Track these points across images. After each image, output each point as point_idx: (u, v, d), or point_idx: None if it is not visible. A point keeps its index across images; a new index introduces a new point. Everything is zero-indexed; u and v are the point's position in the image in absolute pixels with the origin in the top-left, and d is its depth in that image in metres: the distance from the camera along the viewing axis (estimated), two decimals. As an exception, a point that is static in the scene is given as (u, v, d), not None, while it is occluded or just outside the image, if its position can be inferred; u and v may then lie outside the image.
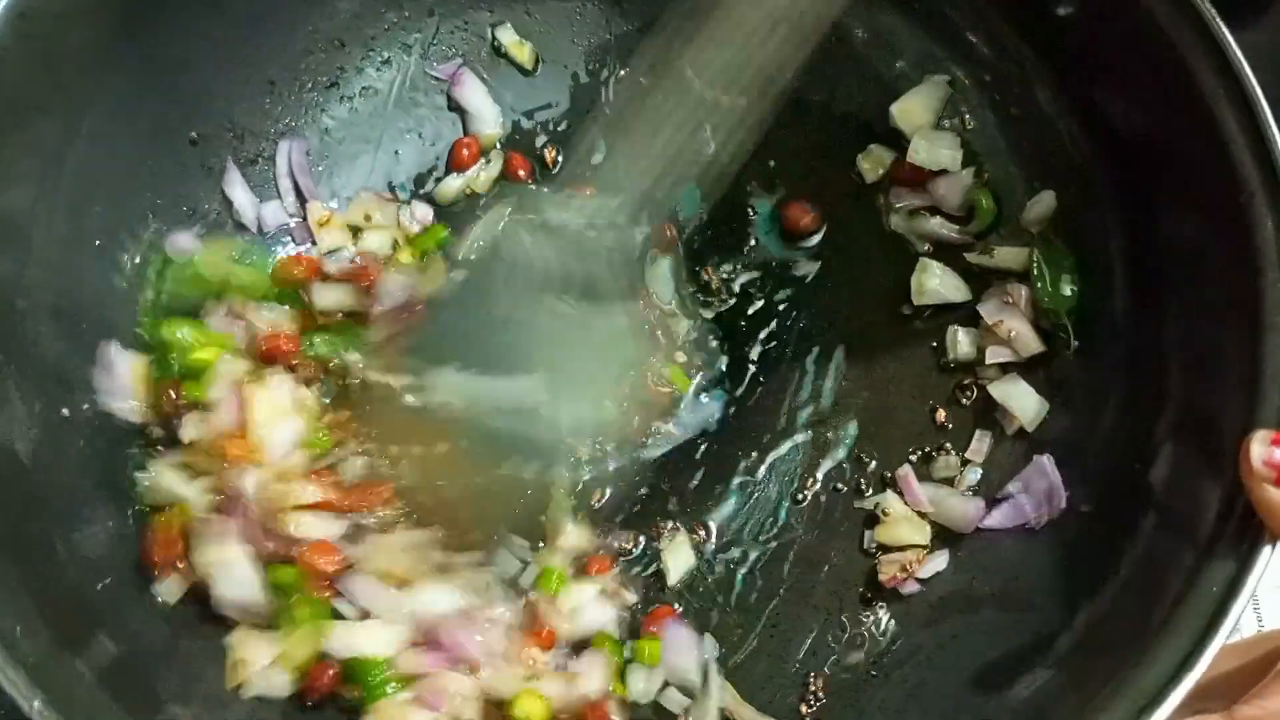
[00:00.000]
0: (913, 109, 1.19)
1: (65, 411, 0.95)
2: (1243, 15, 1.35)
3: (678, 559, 1.08)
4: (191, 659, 0.92)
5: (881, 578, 1.04)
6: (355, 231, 1.20)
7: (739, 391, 1.14)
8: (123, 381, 1.01)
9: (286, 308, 1.10)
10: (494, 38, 1.25)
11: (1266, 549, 0.77)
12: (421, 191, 1.23)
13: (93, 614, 0.87)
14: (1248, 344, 0.85)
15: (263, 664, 0.94)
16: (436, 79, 1.25)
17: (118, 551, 0.94)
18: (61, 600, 0.85)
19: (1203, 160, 0.92)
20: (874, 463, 1.12)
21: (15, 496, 0.86)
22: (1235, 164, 0.89)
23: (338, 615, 0.96)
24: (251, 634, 0.96)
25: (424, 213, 1.21)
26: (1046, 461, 1.04)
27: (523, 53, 1.25)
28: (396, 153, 1.24)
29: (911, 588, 1.03)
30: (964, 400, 1.12)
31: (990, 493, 1.08)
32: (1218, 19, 0.91)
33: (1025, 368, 1.11)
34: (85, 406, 0.97)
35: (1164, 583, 0.82)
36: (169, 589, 0.95)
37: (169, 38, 1.05)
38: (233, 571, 0.94)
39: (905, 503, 1.08)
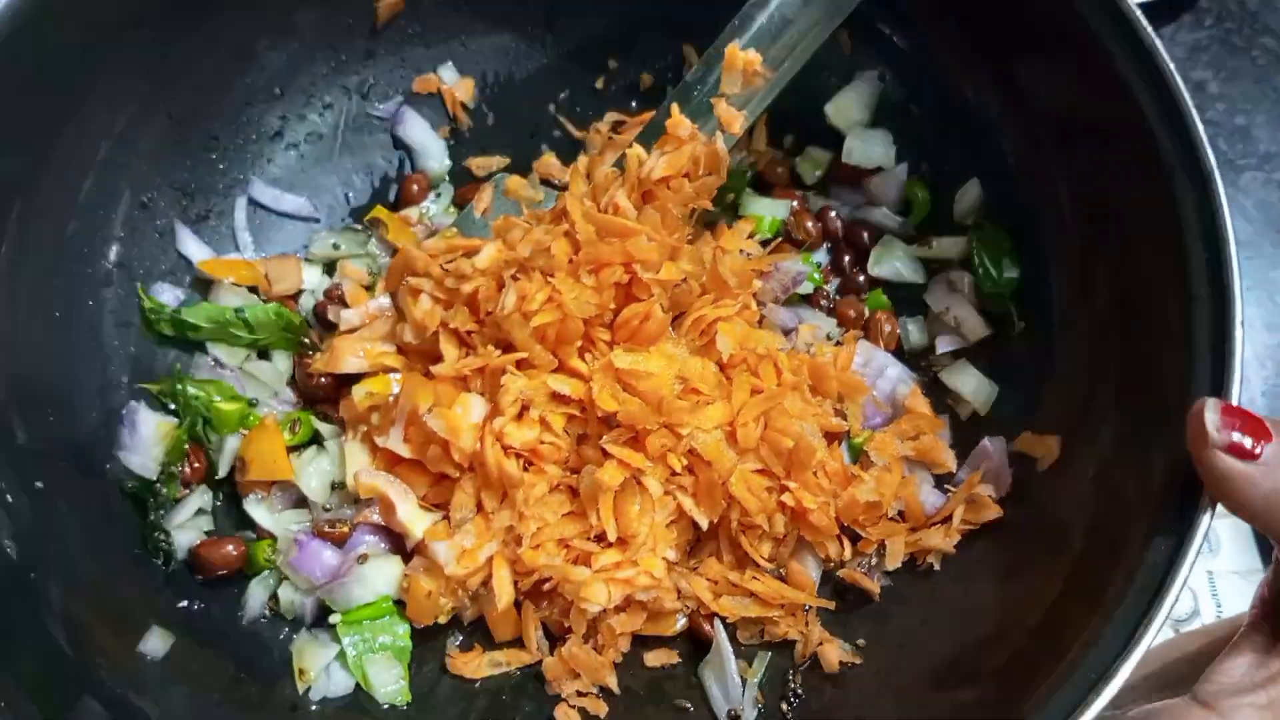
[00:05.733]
0: (846, 107, 1.22)
1: (39, 485, 0.96)
2: (1181, 18, 1.40)
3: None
4: (180, 716, 0.94)
5: (842, 573, 1.05)
6: (326, 266, 1.23)
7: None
8: (144, 440, 1.05)
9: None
10: (435, 73, 1.26)
11: (1205, 516, 0.79)
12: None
13: (79, 679, 0.89)
14: (1177, 315, 0.87)
15: (321, 667, 1.00)
16: (379, 119, 1.27)
17: (104, 612, 0.96)
18: (47, 668, 0.86)
19: (1124, 140, 0.94)
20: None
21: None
22: (1155, 141, 0.91)
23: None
24: (309, 643, 1.01)
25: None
26: (989, 443, 1.06)
27: (463, 87, 1.27)
28: (347, 195, 1.26)
29: (877, 580, 1.05)
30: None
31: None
32: (1129, 2, 0.93)
33: (974, 352, 1.13)
34: (63, 476, 1.00)
35: (1119, 546, 0.84)
36: (155, 646, 0.97)
37: (107, 103, 1.06)
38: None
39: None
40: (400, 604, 1.04)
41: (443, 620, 1.04)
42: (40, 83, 0.99)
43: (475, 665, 1.04)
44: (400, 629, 1.03)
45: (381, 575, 1.03)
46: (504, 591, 1.00)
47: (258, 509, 1.07)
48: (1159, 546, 0.81)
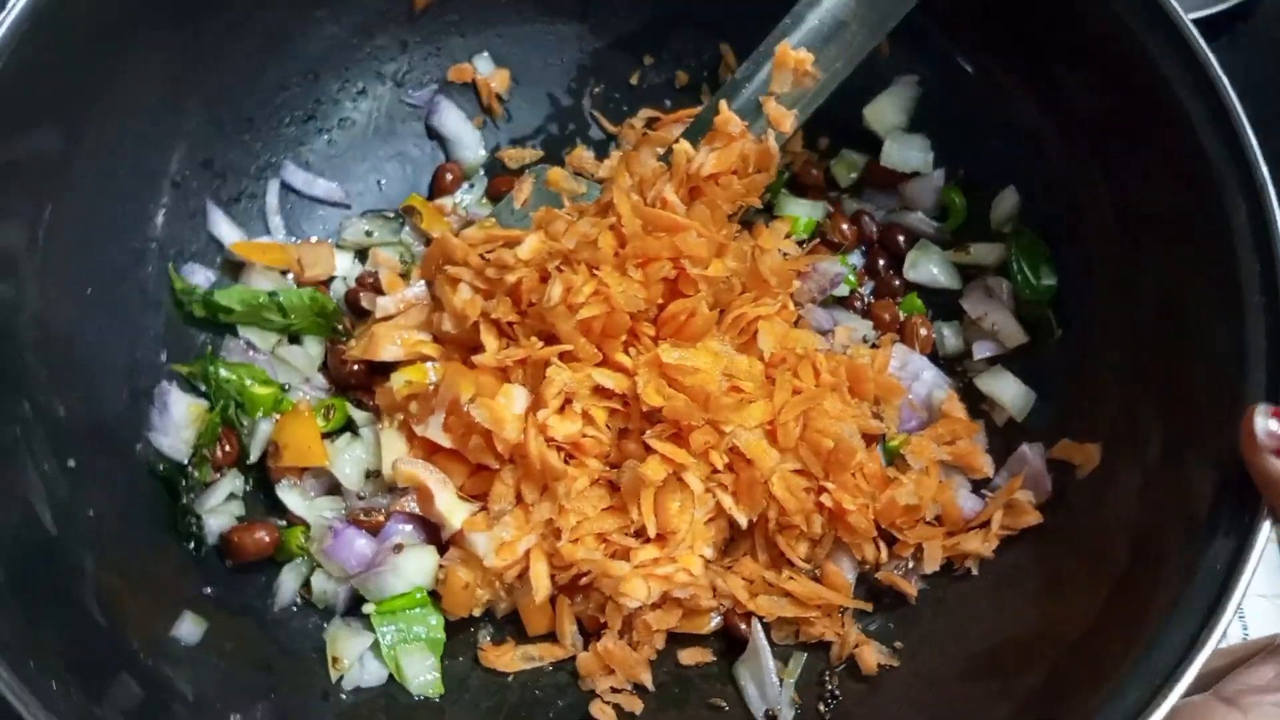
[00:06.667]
0: (884, 110, 1.22)
1: (72, 463, 0.94)
2: (1218, 38, 1.40)
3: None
4: (213, 700, 0.92)
5: (879, 575, 1.05)
6: (358, 253, 1.21)
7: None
8: (174, 422, 1.04)
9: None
10: (470, 63, 1.26)
11: (1266, 524, 0.79)
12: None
13: (115, 656, 0.87)
14: (1229, 325, 0.87)
15: (355, 656, 1.00)
16: (414, 106, 1.26)
17: (138, 594, 0.94)
18: (86, 644, 0.85)
19: (1174, 149, 0.94)
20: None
21: (38, 552, 0.86)
22: (1206, 152, 0.91)
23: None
24: (343, 631, 1.00)
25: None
26: (1027, 449, 1.06)
27: (499, 77, 1.26)
28: (379, 182, 1.25)
29: (914, 584, 1.05)
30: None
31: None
32: (1180, 12, 0.93)
33: (1010, 358, 1.13)
34: (94, 455, 0.97)
35: (1166, 563, 0.84)
36: (189, 630, 0.95)
37: (143, 82, 1.05)
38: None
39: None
40: (434, 595, 1.03)
41: (477, 613, 1.03)
42: (76, 60, 0.97)
43: (508, 659, 1.03)
44: (434, 619, 1.02)
45: (416, 565, 1.02)
46: (541, 585, 1.00)
47: (290, 495, 1.06)
48: (1213, 560, 0.81)
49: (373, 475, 1.07)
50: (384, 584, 1.01)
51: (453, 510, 1.01)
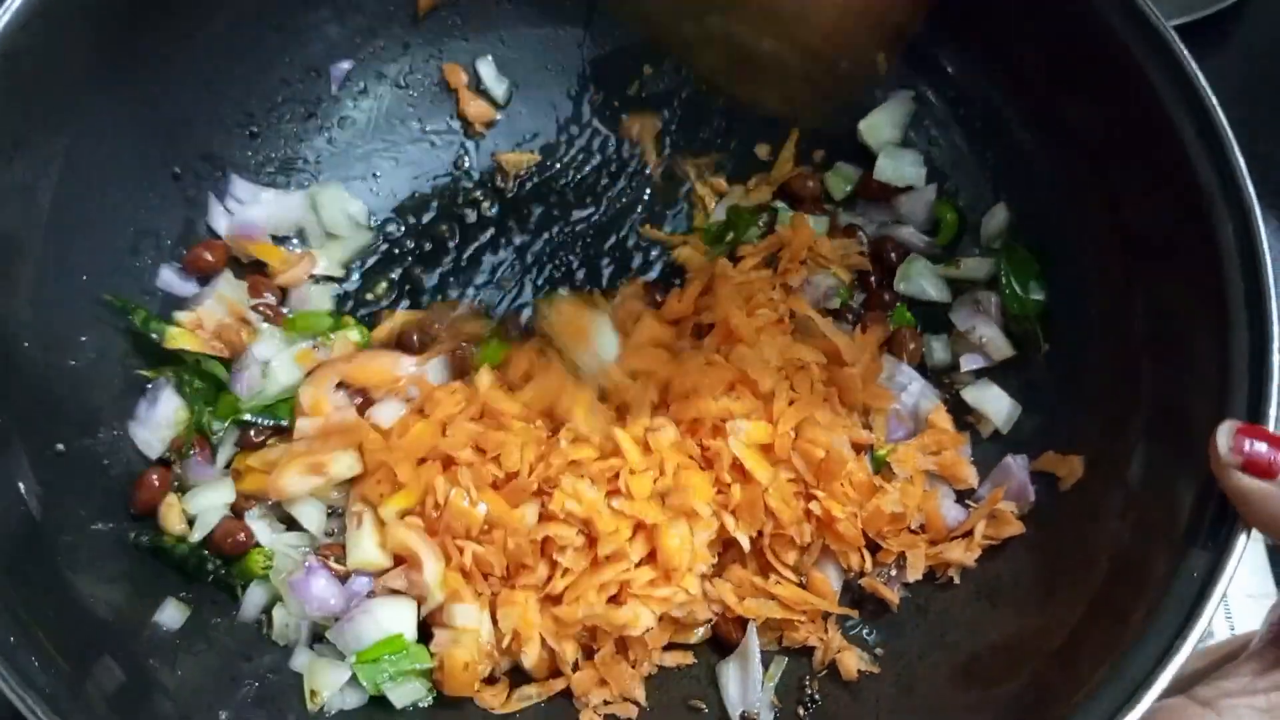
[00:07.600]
0: (879, 125, 1.23)
1: (60, 447, 0.95)
2: (1207, 41, 1.41)
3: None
4: (193, 685, 0.93)
5: (863, 582, 1.05)
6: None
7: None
8: (158, 418, 1.04)
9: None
10: (471, 66, 1.27)
11: (1242, 536, 0.80)
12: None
13: (99, 639, 0.88)
14: (1215, 341, 0.88)
15: (335, 689, 0.97)
16: (412, 108, 1.27)
17: (122, 578, 0.95)
18: (70, 627, 0.86)
19: (1164, 168, 0.95)
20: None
21: (23, 535, 0.87)
22: (1195, 170, 0.92)
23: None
24: (319, 663, 0.98)
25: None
26: (1012, 461, 1.07)
27: (499, 82, 1.27)
28: (375, 175, 1.25)
29: (897, 591, 1.05)
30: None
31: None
32: (1171, 30, 0.95)
33: (997, 372, 1.14)
34: (80, 442, 0.98)
35: (1145, 575, 0.85)
36: (171, 616, 0.96)
37: (148, 72, 1.06)
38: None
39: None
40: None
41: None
42: (79, 47, 0.98)
43: (502, 700, 1.01)
44: (423, 653, 0.99)
45: (392, 614, 0.99)
46: (533, 651, 0.99)
47: (258, 524, 1.03)
48: (1191, 569, 0.81)
49: (335, 514, 1.05)
50: (361, 632, 0.97)
51: (440, 583, 0.99)
